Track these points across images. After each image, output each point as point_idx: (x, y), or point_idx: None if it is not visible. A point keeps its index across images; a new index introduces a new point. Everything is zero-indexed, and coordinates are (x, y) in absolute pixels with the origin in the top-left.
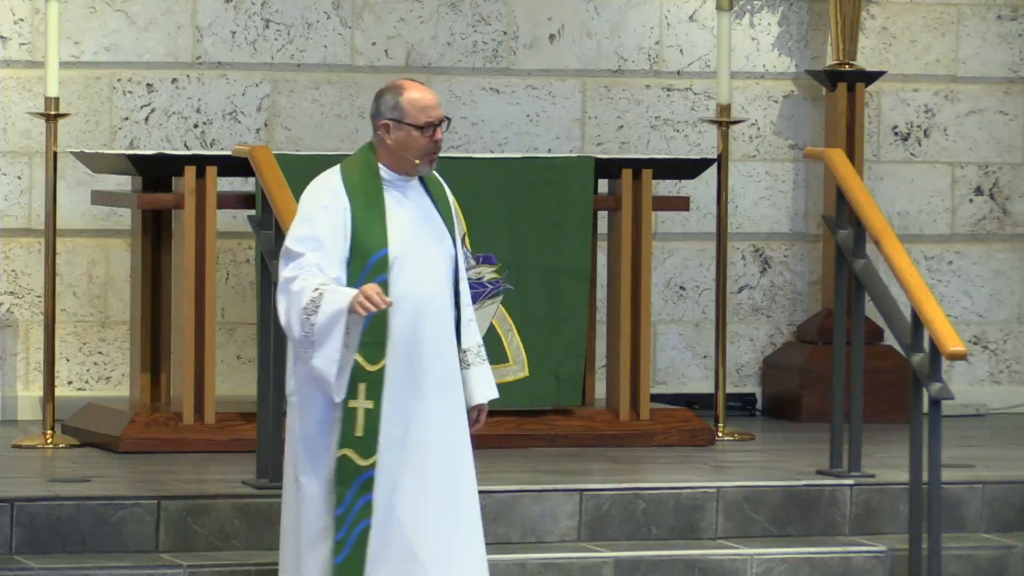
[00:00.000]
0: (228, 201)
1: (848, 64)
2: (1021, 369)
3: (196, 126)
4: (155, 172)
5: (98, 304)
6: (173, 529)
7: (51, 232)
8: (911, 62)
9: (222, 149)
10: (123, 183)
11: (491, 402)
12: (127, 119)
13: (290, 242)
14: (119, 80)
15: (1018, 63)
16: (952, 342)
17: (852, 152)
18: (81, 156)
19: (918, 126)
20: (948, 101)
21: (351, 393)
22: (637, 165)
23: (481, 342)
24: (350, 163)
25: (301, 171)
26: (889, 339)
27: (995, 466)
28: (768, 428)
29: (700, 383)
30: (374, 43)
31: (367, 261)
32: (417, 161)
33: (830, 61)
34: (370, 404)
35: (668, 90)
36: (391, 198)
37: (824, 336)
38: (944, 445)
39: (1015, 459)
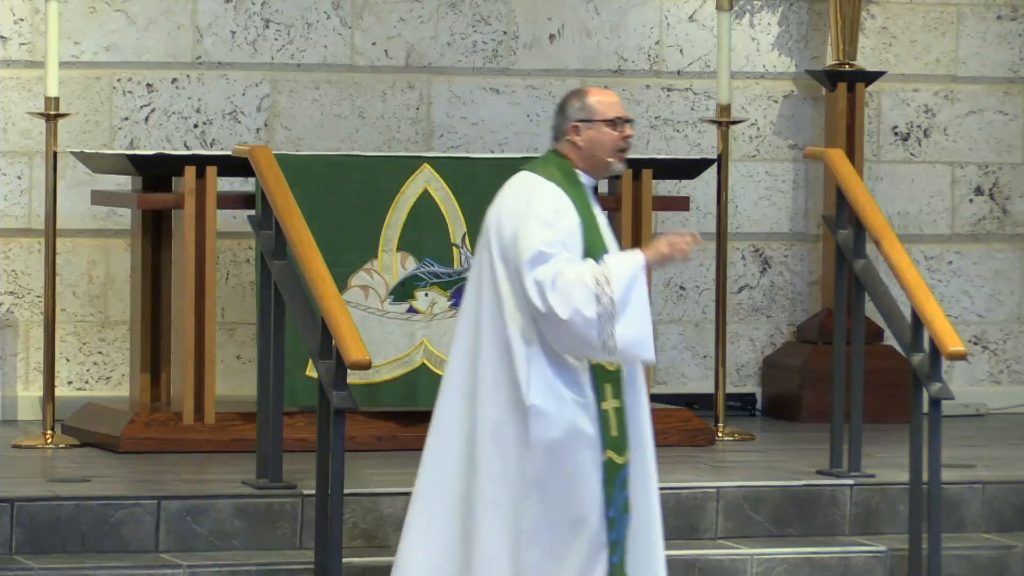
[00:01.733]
0: (228, 201)
1: (848, 64)
2: (1021, 369)
3: (196, 126)
4: (155, 172)
5: (98, 304)
6: (173, 529)
7: (51, 232)
8: (911, 62)
9: (222, 149)
10: (123, 183)
11: None
12: (127, 119)
13: (539, 245)
14: (119, 80)
15: (1018, 63)
16: (952, 342)
17: (852, 152)
18: (81, 156)
19: (918, 126)
20: (948, 101)
21: (601, 395)
22: (637, 165)
23: None
24: (551, 172)
25: (301, 171)
26: (889, 339)
27: (995, 466)
28: (768, 428)
29: (700, 383)
30: (374, 43)
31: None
32: (610, 159)
33: (830, 61)
34: (617, 403)
35: (668, 90)
36: (592, 201)
37: (824, 336)
38: (944, 445)
39: (1015, 459)
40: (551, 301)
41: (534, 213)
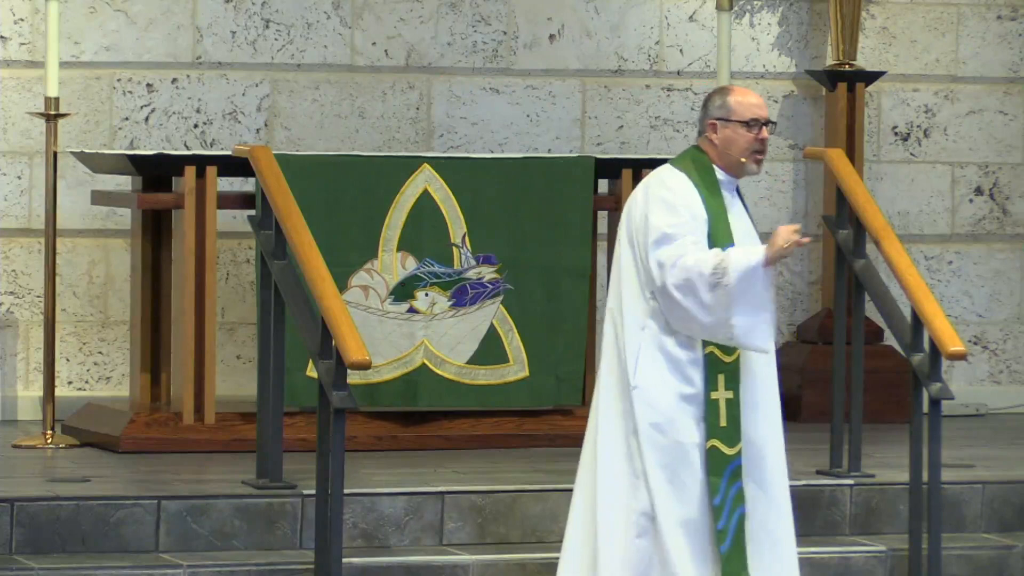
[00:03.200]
0: (228, 201)
1: (848, 64)
2: (1021, 369)
3: (196, 126)
4: (155, 172)
5: (98, 304)
6: (173, 529)
7: (51, 232)
8: (911, 62)
9: (222, 149)
10: (123, 183)
11: (492, 401)
12: (127, 119)
13: (665, 227)
14: (119, 80)
15: (1018, 63)
16: (952, 342)
17: (852, 152)
18: (81, 156)
19: (918, 126)
20: (948, 101)
21: (712, 385)
22: (637, 165)
23: None
24: (686, 165)
25: (301, 171)
26: (889, 339)
27: (995, 466)
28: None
29: None
30: (374, 43)
31: None
32: (743, 159)
33: (830, 61)
34: (730, 394)
35: (668, 90)
36: (726, 198)
37: (824, 336)
38: (944, 445)
39: (1015, 459)
40: (669, 280)
41: (661, 199)
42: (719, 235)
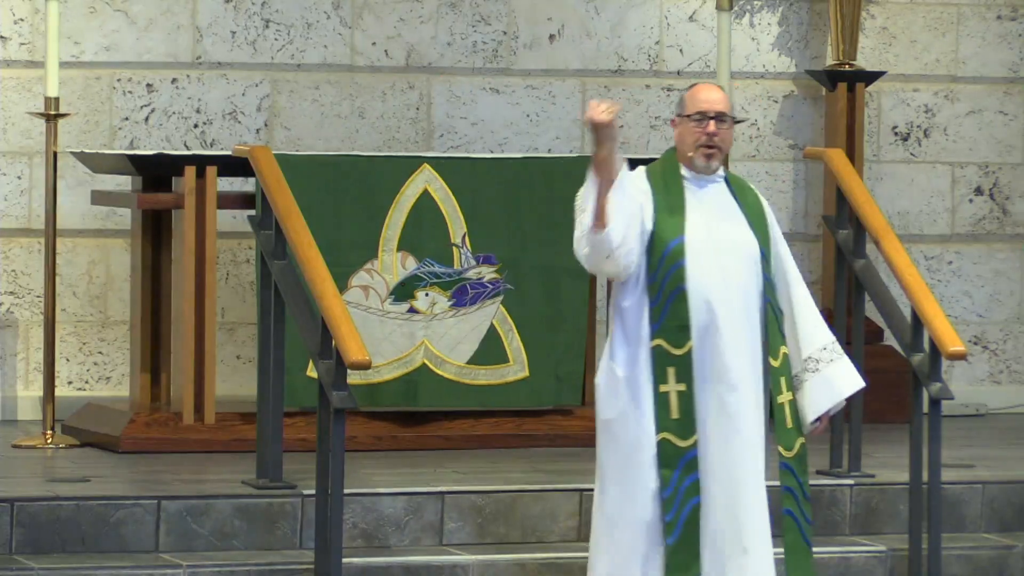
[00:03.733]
0: (228, 201)
1: (848, 64)
2: (1021, 369)
3: (196, 126)
4: (155, 172)
5: (98, 304)
6: (173, 529)
7: (51, 232)
8: (911, 62)
9: (222, 149)
10: (123, 183)
11: (492, 401)
12: (127, 119)
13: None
14: (119, 80)
15: (1018, 63)
16: (952, 342)
17: (852, 152)
18: (81, 156)
19: (918, 126)
20: (948, 101)
21: (661, 377)
22: (637, 165)
23: (830, 341)
24: (655, 165)
25: (301, 171)
26: (889, 339)
27: (995, 466)
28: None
29: None
30: (374, 43)
31: (665, 248)
32: (690, 153)
33: (830, 61)
34: (682, 387)
35: (668, 90)
36: (690, 194)
37: None
38: (944, 445)
39: (1015, 459)
40: (576, 235)
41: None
42: (666, 228)
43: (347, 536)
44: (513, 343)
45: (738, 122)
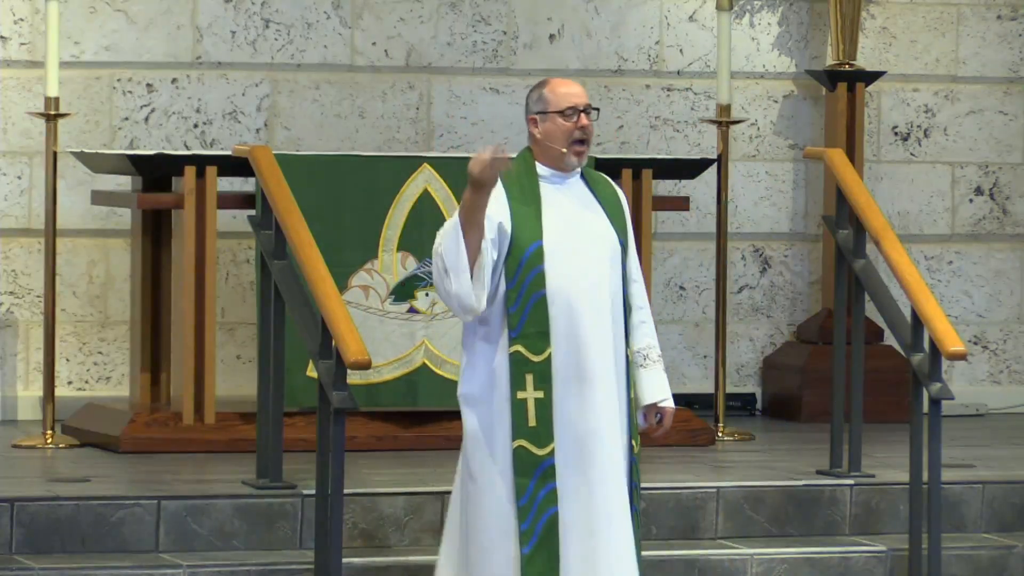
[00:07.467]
0: (228, 201)
1: (848, 64)
2: (1021, 369)
3: (196, 126)
4: (155, 172)
5: (98, 304)
6: (173, 529)
7: (51, 232)
8: (911, 62)
9: (222, 149)
10: (123, 183)
11: None
12: (127, 119)
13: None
14: (119, 80)
15: (1018, 63)
16: (952, 342)
17: (852, 152)
18: (81, 156)
19: (918, 126)
20: (948, 101)
21: (519, 384)
22: (637, 165)
23: (655, 344)
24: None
25: (301, 171)
26: (889, 339)
27: (995, 466)
28: (768, 428)
29: (700, 383)
30: (374, 43)
31: (523, 253)
32: (564, 149)
33: (830, 61)
34: (540, 394)
35: (668, 90)
36: (548, 194)
37: (824, 336)
38: (944, 445)
39: (1015, 459)
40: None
41: None
42: (524, 233)
43: (347, 536)
44: None
45: (737, 122)
